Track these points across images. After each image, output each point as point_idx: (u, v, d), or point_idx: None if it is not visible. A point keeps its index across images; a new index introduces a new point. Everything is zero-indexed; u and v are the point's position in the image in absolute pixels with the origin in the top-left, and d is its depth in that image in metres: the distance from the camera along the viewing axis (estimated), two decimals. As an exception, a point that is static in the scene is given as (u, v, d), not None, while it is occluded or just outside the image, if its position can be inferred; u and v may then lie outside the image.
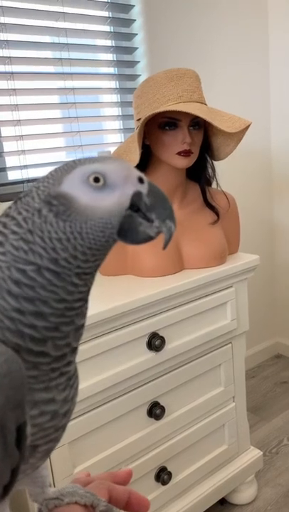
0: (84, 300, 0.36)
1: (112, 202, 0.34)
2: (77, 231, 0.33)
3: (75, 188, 0.34)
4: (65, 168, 0.35)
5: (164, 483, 1.18)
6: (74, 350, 0.36)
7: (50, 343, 0.34)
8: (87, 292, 0.36)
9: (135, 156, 1.08)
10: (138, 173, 0.36)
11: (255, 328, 1.39)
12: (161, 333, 1.09)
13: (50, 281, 0.33)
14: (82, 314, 0.36)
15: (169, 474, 1.19)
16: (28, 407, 0.33)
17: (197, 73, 1.14)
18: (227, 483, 1.34)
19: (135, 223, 0.36)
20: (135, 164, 1.08)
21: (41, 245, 0.33)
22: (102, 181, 0.34)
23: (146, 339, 1.07)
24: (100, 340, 0.98)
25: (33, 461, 0.36)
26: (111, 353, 1.01)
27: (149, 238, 0.36)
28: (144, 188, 0.36)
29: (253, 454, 1.42)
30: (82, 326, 0.36)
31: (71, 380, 0.37)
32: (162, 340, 1.08)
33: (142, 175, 0.36)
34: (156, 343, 1.07)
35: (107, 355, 1.00)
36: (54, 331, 0.34)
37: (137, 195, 0.35)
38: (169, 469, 1.19)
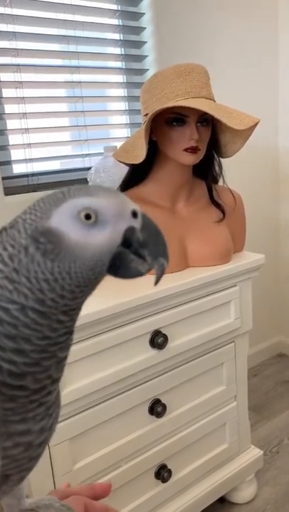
0: (69, 333, 0.34)
1: (103, 239, 0.33)
2: (66, 271, 0.32)
3: (64, 223, 0.32)
4: (54, 200, 0.32)
5: (164, 480, 1.18)
6: (55, 381, 0.35)
7: (29, 377, 0.32)
8: (73, 325, 0.34)
9: (142, 152, 1.07)
10: (132, 207, 0.34)
11: (258, 327, 1.39)
12: (164, 331, 1.08)
13: (34, 320, 0.31)
14: (66, 347, 0.34)
15: (169, 472, 1.18)
16: (1, 440, 0.32)
17: (206, 69, 1.13)
18: (227, 482, 1.33)
19: (126, 260, 0.34)
20: (142, 160, 1.07)
21: (27, 286, 0.31)
22: (93, 218, 0.32)
23: (149, 337, 1.06)
24: (103, 337, 0.98)
25: (5, 488, 0.36)
26: (113, 350, 1.00)
27: (140, 274, 0.35)
28: (137, 223, 0.34)
29: (254, 453, 1.42)
30: (65, 357, 0.35)
31: (50, 409, 0.36)
32: (165, 338, 1.08)
33: (137, 208, 0.34)
34: (159, 340, 1.06)
35: (109, 352, 1.00)
36: (35, 366, 0.32)
37: (129, 231, 0.34)
38: (169, 467, 1.18)
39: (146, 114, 1.11)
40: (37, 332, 0.32)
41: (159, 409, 1.11)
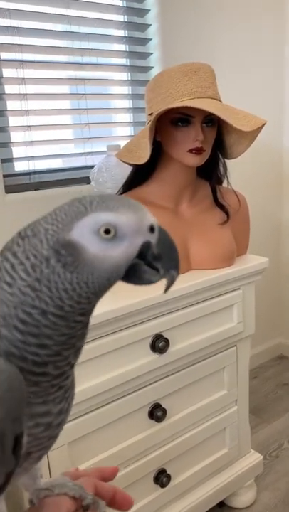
0: (85, 326, 0.37)
1: (120, 253, 0.35)
2: (84, 281, 0.34)
3: (84, 237, 0.34)
4: (76, 213, 0.34)
5: (163, 485, 1.16)
6: (73, 366, 0.38)
7: (51, 365, 0.36)
8: (89, 319, 0.37)
9: (146, 153, 1.05)
10: (150, 222, 0.36)
11: (258, 329, 1.37)
12: (165, 335, 1.06)
13: (54, 322, 0.34)
14: (83, 337, 0.38)
15: (168, 477, 1.17)
16: (25, 419, 0.35)
17: (212, 68, 1.10)
18: (226, 487, 1.32)
19: (140, 271, 0.37)
20: (145, 160, 1.05)
21: (48, 294, 0.34)
22: (112, 233, 0.34)
23: (150, 341, 1.05)
24: (104, 341, 0.96)
25: (26, 465, 0.39)
26: (114, 353, 0.99)
27: (151, 283, 0.38)
28: (153, 238, 0.36)
29: (254, 457, 1.40)
30: (82, 345, 0.38)
31: (67, 393, 0.39)
32: (166, 342, 1.06)
33: (154, 222, 0.36)
34: (160, 344, 1.05)
35: (110, 356, 0.98)
36: (56, 356, 0.35)
37: (145, 245, 0.36)
38: (168, 472, 1.17)
39: (151, 114, 1.08)
40: (57, 331, 0.35)
41: (159, 413, 1.10)
